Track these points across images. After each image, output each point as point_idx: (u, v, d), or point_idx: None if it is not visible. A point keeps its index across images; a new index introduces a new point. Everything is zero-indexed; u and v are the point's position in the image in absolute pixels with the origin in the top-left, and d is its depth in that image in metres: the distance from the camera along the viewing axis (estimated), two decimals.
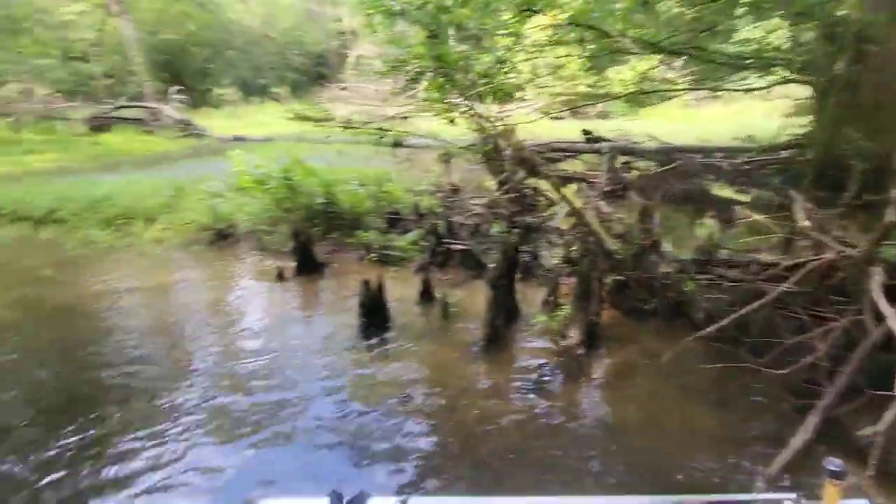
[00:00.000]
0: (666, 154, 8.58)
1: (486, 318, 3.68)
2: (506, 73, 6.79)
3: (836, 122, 4.74)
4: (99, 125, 16.16)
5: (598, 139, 9.45)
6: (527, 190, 6.37)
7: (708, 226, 4.85)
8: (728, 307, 3.40)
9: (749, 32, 8.20)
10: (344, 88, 19.95)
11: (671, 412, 2.97)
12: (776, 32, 8.12)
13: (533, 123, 8.90)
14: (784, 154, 7.40)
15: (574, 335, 3.53)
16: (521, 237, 5.11)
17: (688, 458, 2.48)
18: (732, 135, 10.27)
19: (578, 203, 4.56)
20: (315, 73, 26.41)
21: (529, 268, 4.86)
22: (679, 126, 12.32)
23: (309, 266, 5.22)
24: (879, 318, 2.63)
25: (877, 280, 2.78)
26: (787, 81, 6.37)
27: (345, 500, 1.07)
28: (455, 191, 6.76)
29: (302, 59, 26.62)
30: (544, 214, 5.77)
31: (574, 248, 4.75)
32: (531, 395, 3.14)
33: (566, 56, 9.58)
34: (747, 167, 7.93)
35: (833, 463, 0.99)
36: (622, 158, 8.61)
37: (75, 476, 2.46)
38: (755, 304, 3.16)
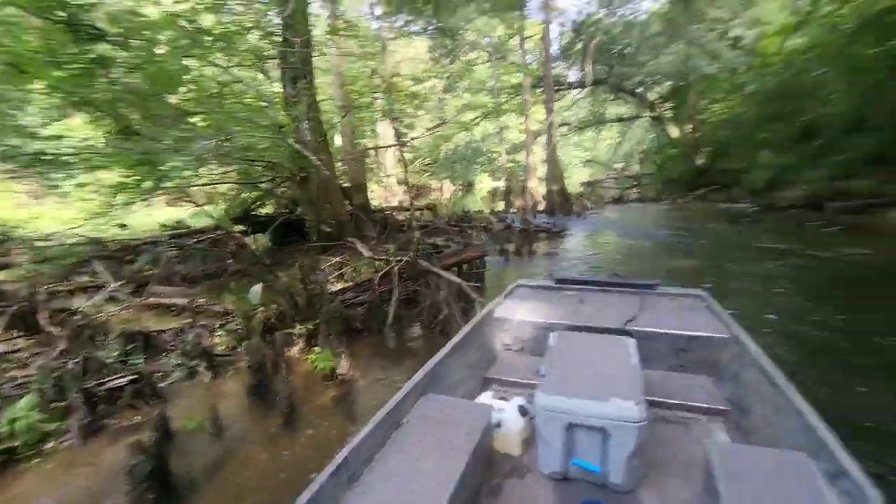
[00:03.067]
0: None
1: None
2: None
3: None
4: None
5: None
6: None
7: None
8: (371, 311, 5.50)
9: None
10: None
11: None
12: None
13: None
14: (219, 233, 9.53)
15: (344, 364, 4.39)
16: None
17: None
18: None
19: None
20: None
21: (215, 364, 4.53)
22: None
23: None
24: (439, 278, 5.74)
25: (424, 264, 5.88)
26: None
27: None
28: None
29: None
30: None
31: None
32: None
33: None
34: (198, 245, 9.38)
35: None
36: None
37: None
38: (393, 302, 5.48)
